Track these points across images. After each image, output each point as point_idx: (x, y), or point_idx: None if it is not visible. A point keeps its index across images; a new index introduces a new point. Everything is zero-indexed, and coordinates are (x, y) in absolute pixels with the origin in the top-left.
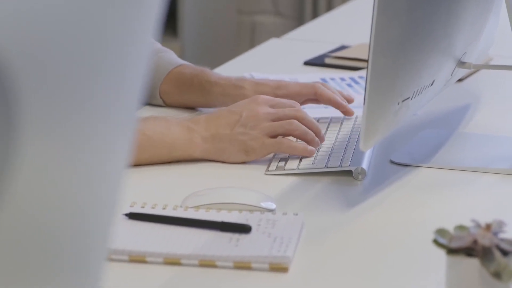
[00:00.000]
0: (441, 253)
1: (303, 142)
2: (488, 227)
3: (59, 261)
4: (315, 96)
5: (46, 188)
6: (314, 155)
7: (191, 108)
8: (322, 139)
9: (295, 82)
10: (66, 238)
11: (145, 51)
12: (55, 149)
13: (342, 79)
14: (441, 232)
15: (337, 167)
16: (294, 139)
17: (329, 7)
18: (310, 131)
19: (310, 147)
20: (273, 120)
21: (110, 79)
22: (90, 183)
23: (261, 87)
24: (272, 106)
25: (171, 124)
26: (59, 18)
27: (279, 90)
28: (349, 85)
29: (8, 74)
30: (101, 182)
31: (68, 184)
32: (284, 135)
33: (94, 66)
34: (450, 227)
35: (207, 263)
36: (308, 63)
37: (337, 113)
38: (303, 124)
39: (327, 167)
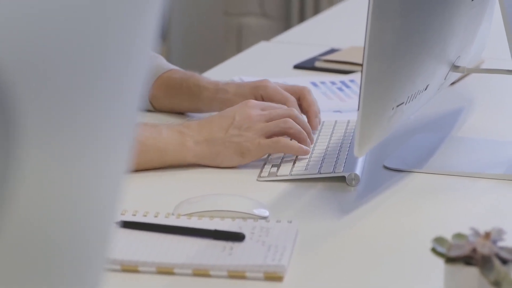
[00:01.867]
0: (438, 260)
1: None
2: (487, 235)
3: (57, 268)
4: (285, 99)
5: (45, 195)
6: (307, 160)
7: (180, 113)
8: (311, 141)
9: (274, 86)
10: (65, 245)
11: (145, 57)
12: (55, 156)
13: (333, 83)
14: (439, 240)
15: (330, 173)
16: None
17: (316, 8)
18: (304, 131)
19: (305, 147)
20: (267, 121)
21: (110, 84)
22: (90, 190)
23: (240, 88)
24: (263, 110)
25: (162, 129)
26: (58, 25)
27: (257, 90)
28: (340, 89)
29: (6, 81)
30: (101, 189)
31: (67, 191)
32: (279, 134)
33: (93, 72)
34: (445, 233)
35: (200, 272)
36: (298, 66)
37: (330, 117)
38: (294, 125)
39: (320, 173)
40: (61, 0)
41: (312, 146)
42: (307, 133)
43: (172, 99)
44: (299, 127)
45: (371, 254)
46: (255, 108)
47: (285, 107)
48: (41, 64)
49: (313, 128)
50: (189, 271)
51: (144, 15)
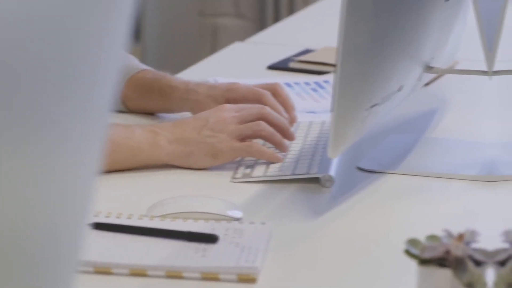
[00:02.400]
0: (412, 262)
1: (272, 147)
2: (460, 237)
3: (29, 270)
4: (261, 103)
5: (17, 196)
6: (283, 160)
7: (152, 114)
8: (291, 137)
9: (246, 86)
10: (36, 247)
11: (117, 58)
12: (26, 157)
13: (307, 83)
14: (412, 242)
15: (304, 174)
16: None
17: (291, 9)
18: (277, 133)
19: (277, 155)
20: (240, 123)
21: (81, 85)
22: (61, 191)
23: (212, 90)
24: (237, 112)
25: (135, 129)
26: (28, 25)
27: (229, 93)
28: (314, 90)
29: None
30: (73, 190)
31: (38, 192)
32: (252, 137)
33: (64, 73)
34: (419, 235)
35: (174, 274)
36: (272, 67)
37: (304, 118)
38: (270, 122)
39: (294, 174)
40: (31, 2)
41: (286, 150)
42: (284, 129)
43: (143, 99)
44: (272, 130)
45: (344, 256)
46: (229, 111)
47: (259, 106)
48: (11, 65)
49: (293, 121)
50: (162, 273)
51: (115, 16)
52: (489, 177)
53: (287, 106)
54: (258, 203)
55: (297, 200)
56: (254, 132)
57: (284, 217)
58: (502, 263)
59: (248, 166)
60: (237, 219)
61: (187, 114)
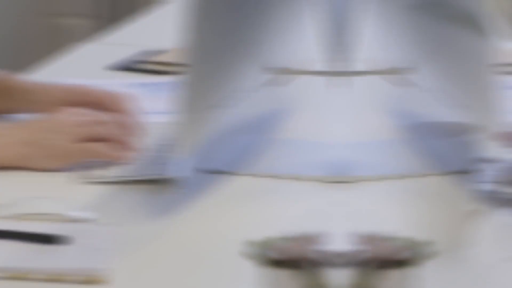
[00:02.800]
0: (253, 263)
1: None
2: (302, 238)
3: None
4: (104, 105)
5: None
6: (130, 163)
7: None
8: (129, 147)
9: (88, 88)
10: None
11: None
12: None
13: (152, 84)
14: (251, 243)
15: (151, 175)
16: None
17: (132, 8)
18: (115, 138)
19: (118, 154)
20: (79, 126)
21: None
22: None
23: (53, 91)
24: (77, 115)
25: None
26: None
27: (71, 95)
28: (159, 90)
29: None
30: None
31: None
32: (93, 140)
33: None
34: (262, 237)
35: (18, 276)
36: (116, 68)
37: (150, 119)
38: (109, 130)
39: (141, 175)
40: None
41: (129, 151)
42: (122, 139)
43: None
44: (110, 133)
45: (189, 258)
46: (69, 114)
47: (103, 114)
48: None
49: (132, 133)
50: (6, 275)
51: None
52: (337, 177)
53: (126, 117)
54: (107, 204)
55: (145, 201)
56: (93, 135)
57: (133, 219)
58: (350, 266)
59: (95, 167)
60: (87, 221)
61: (30, 115)
